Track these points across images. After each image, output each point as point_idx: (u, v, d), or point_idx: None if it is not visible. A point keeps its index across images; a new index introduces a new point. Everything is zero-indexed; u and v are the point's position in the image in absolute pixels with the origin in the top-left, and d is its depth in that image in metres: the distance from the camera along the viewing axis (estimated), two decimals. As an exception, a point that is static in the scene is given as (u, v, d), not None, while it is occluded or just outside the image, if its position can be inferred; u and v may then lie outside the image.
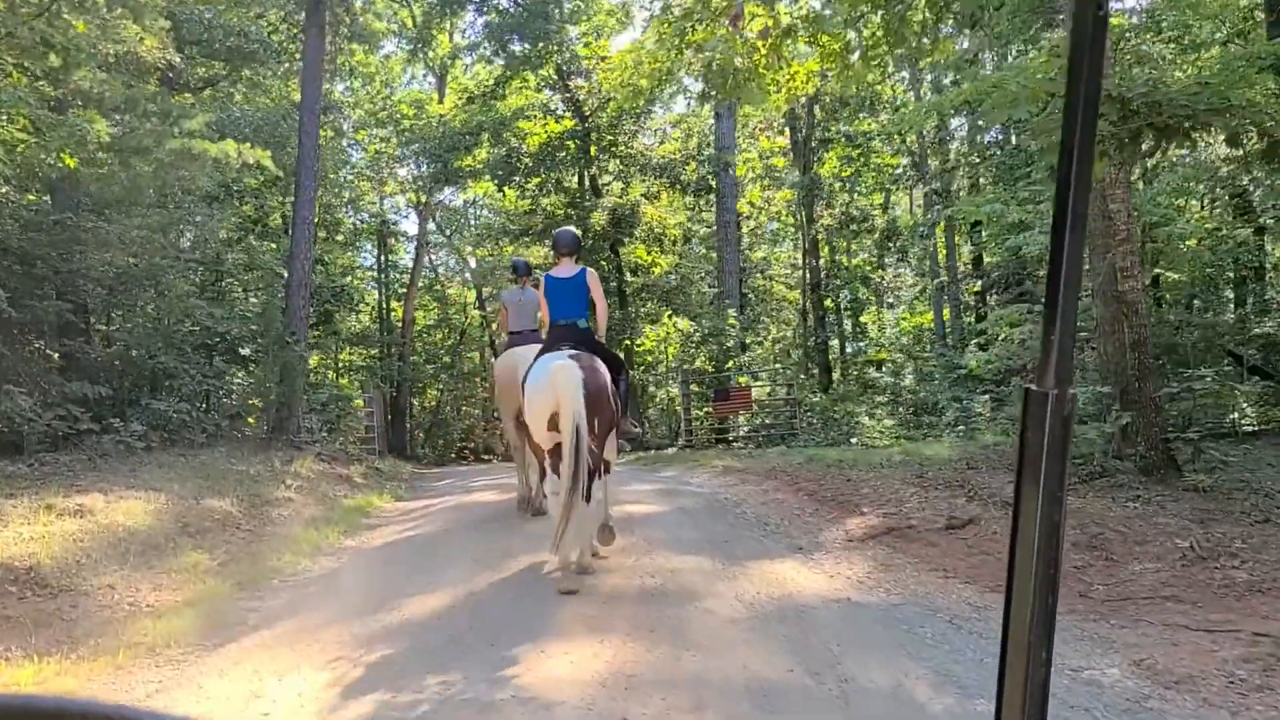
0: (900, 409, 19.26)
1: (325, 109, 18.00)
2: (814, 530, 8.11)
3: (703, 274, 22.52)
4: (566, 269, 6.92)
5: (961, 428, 16.16)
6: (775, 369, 20.30)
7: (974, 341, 20.62)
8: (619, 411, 6.65)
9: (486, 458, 31.51)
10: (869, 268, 26.67)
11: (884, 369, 22.41)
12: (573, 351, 6.31)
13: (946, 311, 25.15)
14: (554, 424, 6.03)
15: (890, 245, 25.35)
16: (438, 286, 33.58)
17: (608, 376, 6.37)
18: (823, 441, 16.13)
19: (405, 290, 29.63)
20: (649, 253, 22.09)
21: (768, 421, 18.89)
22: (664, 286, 20.11)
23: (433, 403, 33.24)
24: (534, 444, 6.49)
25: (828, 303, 26.43)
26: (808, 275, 25.57)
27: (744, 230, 25.17)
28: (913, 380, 20.02)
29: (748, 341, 20.05)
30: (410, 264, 31.30)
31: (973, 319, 24.17)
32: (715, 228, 22.76)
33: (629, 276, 22.93)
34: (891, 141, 25.94)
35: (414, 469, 18.57)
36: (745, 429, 19.03)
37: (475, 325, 35.05)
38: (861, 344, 26.26)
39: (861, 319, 26.79)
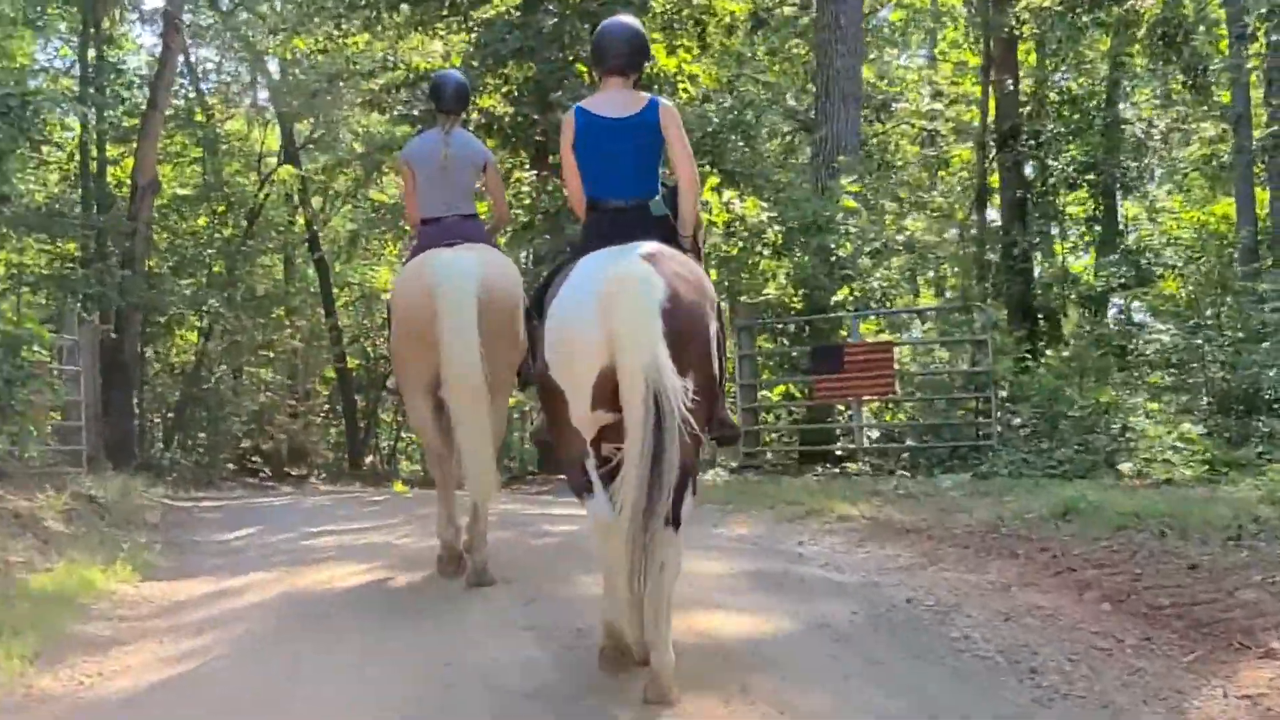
0: (1203, 398, 18.64)
1: None
2: (1168, 694, 6.86)
3: (785, 104, 21.29)
4: (620, 97, 7.20)
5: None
6: (943, 310, 19.25)
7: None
8: (724, 374, 7.06)
9: (297, 473, 32.29)
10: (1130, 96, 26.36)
11: (1162, 318, 21.34)
12: (651, 248, 6.48)
13: (1265, 196, 24.12)
14: (607, 389, 6.07)
15: (1174, 54, 24.12)
16: (202, 118, 33.42)
17: (711, 302, 6.61)
18: (1054, 467, 15.70)
19: (136, 127, 29.04)
20: (671, 53, 20.94)
21: (921, 419, 19.00)
22: (706, 126, 18.87)
23: (188, 356, 33.28)
24: (566, 429, 6.53)
25: (1032, 175, 26.02)
26: (990, 116, 25.41)
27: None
28: (1210, 340, 19.00)
29: (878, 248, 19.68)
30: (146, 73, 30.85)
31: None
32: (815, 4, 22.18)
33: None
34: None
35: (166, 495, 17.96)
36: (874, 431, 19.05)
37: (278, 199, 35.73)
38: (1107, 260, 25.07)
39: (1098, 210, 25.55)
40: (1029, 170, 26.28)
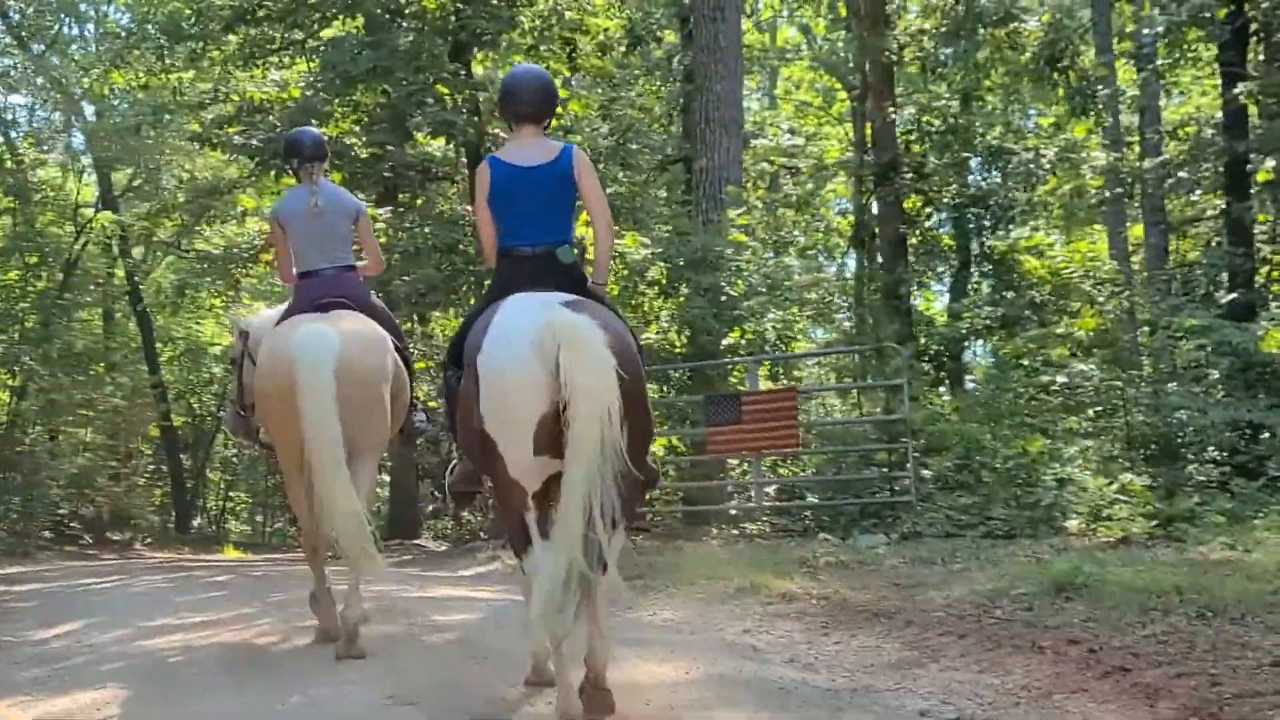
0: (1116, 444, 17.41)
1: None
2: None
3: (661, 128, 21.13)
4: (533, 145, 7.28)
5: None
6: (851, 353, 18.12)
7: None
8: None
9: (120, 538, 31.25)
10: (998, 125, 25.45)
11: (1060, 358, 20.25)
12: (570, 297, 6.74)
13: (1139, 232, 24.56)
14: (549, 436, 6.21)
15: (1060, 77, 23.32)
16: (11, 164, 32.10)
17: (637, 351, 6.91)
18: (987, 525, 14.72)
19: None
20: (542, 77, 19.50)
21: (827, 474, 18.19)
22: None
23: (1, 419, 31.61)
24: (504, 480, 6.58)
25: (914, 204, 24.84)
26: (866, 148, 24.75)
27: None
28: (1131, 382, 18.16)
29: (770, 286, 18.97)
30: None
31: (1220, 242, 22.80)
32: (692, 22, 21.93)
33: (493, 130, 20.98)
34: None
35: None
36: (771, 489, 18.31)
37: (94, 252, 34.42)
38: (983, 298, 24.04)
39: (989, 244, 24.32)
40: (914, 203, 25.49)
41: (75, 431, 33.23)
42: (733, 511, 17.60)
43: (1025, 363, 18.63)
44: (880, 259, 25.33)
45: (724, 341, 18.55)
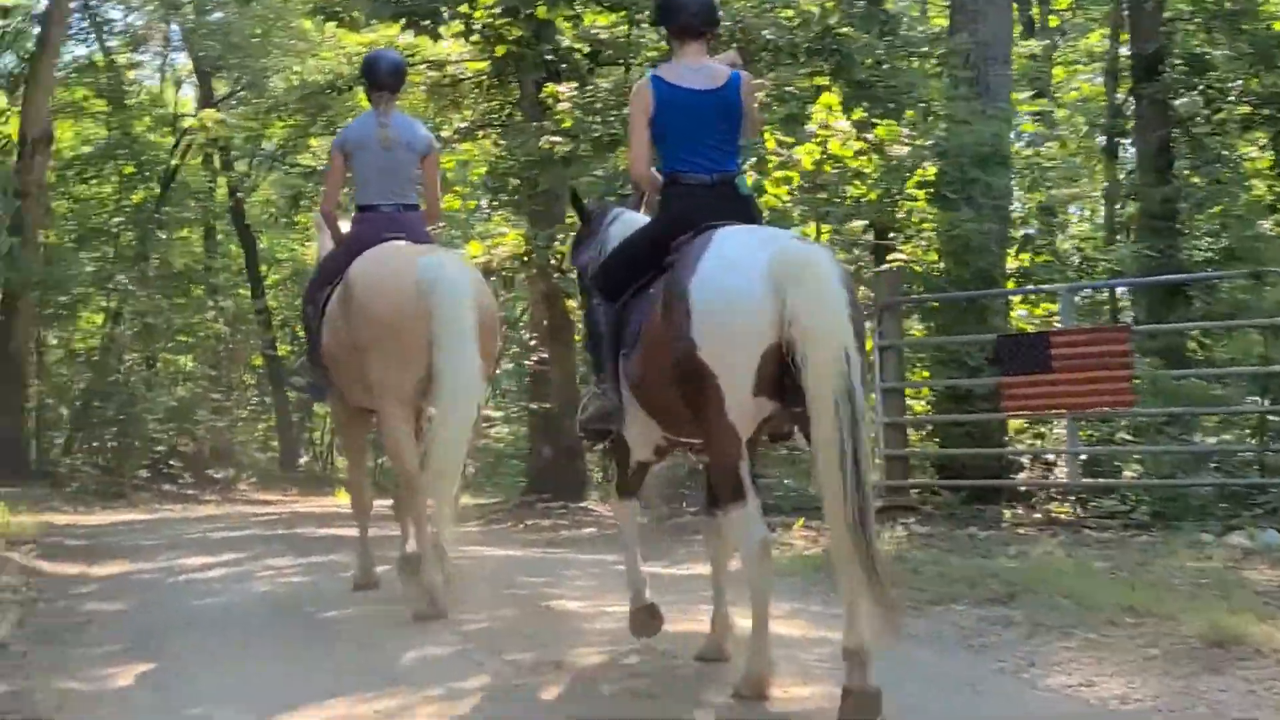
0: None
1: None
2: None
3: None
4: (700, 66, 7.24)
5: None
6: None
7: None
8: None
9: (222, 476, 29.58)
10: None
11: None
12: (797, 234, 7.91)
13: None
14: (769, 375, 6.10)
15: None
16: (106, 73, 31.57)
17: None
18: None
19: (21, 75, 27.87)
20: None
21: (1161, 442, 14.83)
22: (827, 19, 15.57)
23: (93, 343, 31.00)
24: (717, 424, 6.31)
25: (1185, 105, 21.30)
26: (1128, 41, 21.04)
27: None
28: None
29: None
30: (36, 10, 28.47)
31: None
32: None
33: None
34: None
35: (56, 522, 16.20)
36: (1078, 462, 14.68)
37: (194, 165, 33.77)
38: None
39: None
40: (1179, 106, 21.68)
41: (174, 360, 32.68)
42: (1022, 489, 14.24)
43: None
44: (1136, 170, 22.21)
45: (1018, 260, 15.77)
